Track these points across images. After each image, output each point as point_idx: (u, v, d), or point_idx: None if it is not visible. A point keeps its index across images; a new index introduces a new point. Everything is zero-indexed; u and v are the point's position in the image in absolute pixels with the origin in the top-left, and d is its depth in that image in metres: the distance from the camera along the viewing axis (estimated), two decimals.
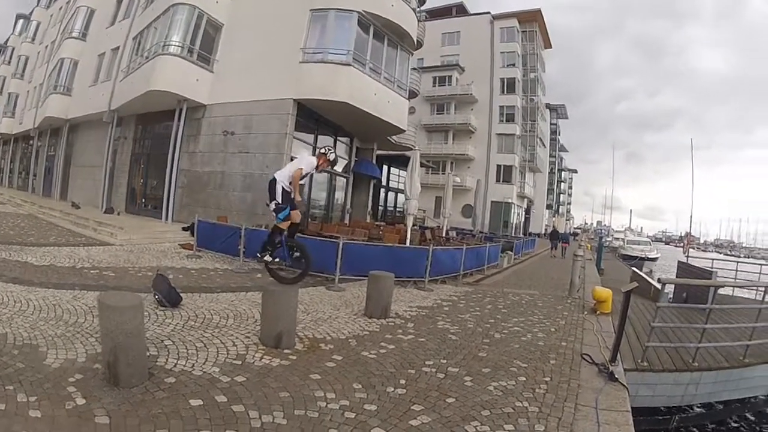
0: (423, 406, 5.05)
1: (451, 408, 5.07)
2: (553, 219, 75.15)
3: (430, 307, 10.54)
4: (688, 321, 11.42)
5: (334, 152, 8.32)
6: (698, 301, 13.48)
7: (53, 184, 32.96)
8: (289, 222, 7.80)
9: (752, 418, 10.60)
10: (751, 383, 8.60)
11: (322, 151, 8.70)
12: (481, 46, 58.10)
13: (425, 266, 13.05)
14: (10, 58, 51.86)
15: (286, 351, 6.34)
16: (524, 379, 6.18)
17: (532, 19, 60.82)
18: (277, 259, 8.35)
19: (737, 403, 9.59)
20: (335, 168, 22.18)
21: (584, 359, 7.14)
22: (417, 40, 24.38)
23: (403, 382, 5.68)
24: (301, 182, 8.45)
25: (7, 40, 55.85)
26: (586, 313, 11.09)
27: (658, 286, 14.79)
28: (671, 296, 16.65)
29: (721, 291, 15.31)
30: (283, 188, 8.01)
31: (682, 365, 8.01)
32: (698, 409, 9.44)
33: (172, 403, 4.51)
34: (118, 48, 26.70)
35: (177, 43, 20.48)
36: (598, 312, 11.01)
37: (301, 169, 8.10)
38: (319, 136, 22.16)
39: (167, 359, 5.57)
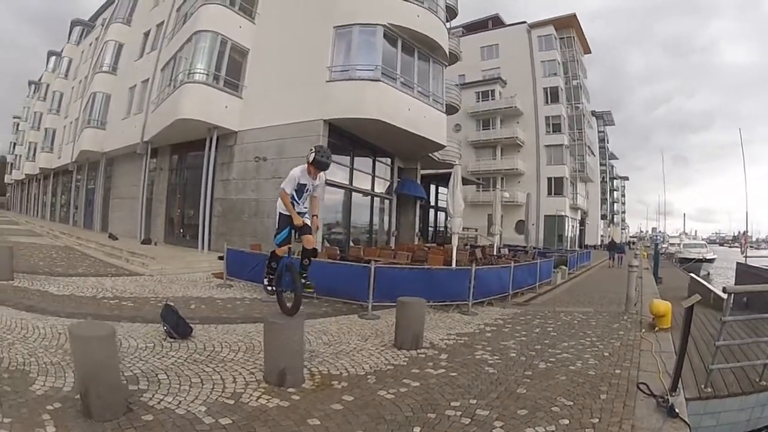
0: None
1: None
2: (608, 229, 73.25)
3: (470, 333, 9.49)
4: (753, 332, 10.12)
5: (316, 151, 6.86)
6: (764, 307, 12.24)
7: (94, 216, 33.34)
8: (287, 247, 6.89)
9: None
10: None
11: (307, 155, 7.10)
12: (520, 56, 57.18)
13: (468, 288, 12.00)
14: (45, 94, 53.47)
15: (290, 390, 5.62)
16: (567, 422, 5.15)
17: (568, 25, 59.68)
18: (280, 288, 7.36)
19: None
20: (363, 186, 21.84)
21: (640, 390, 6.09)
22: (451, 53, 23.70)
23: (417, 430, 4.77)
24: (300, 202, 7.08)
25: (41, 77, 58.34)
26: (643, 330, 10.03)
27: (723, 295, 13.42)
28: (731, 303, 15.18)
29: None
30: (279, 212, 7.09)
31: (748, 386, 6.87)
32: None
33: None
34: (147, 80, 26.86)
35: (202, 71, 20.33)
36: (656, 328, 9.95)
37: (283, 188, 6.93)
38: (356, 158, 21.70)
39: (154, 394, 5.19)
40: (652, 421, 5.23)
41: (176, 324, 7.53)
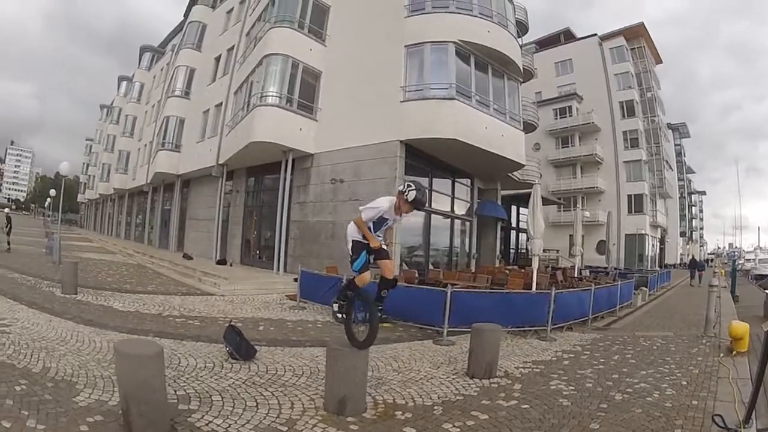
0: None
1: None
2: (688, 246, 70.87)
3: (547, 361, 9.08)
4: None
5: (416, 189, 6.12)
6: None
7: (170, 236, 34.01)
8: (365, 275, 6.45)
9: None
10: None
11: (401, 188, 6.34)
12: (594, 70, 55.77)
13: (547, 312, 11.59)
14: (118, 118, 55.73)
15: (349, 419, 5.40)
16: None
17: (637, 34, 57.95)
18: (351, 319, 6.84)
19: None
20: (435, 207, 21.30)
21: (715, 422, 5.62)
22: (525, 69, 23.26)
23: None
24: (375, 234, 6.46)
25: (113, 101, 61.15)
26: (722, 355, 9.57)
27: None
28: None
29: None
30: (351, 239, 6.46)
31: None
32: None
33: None
34: (221, 104, 27.44)
35: (275, 94, 20.56)
36: (734, 352, 9.43)
37: (361, 215, 6.38)
38: (434, 179, 21.49)
39: (203, 416, 5.11)
40: None
41: (238, 345, 7.47)
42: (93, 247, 33.95)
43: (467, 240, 24.44)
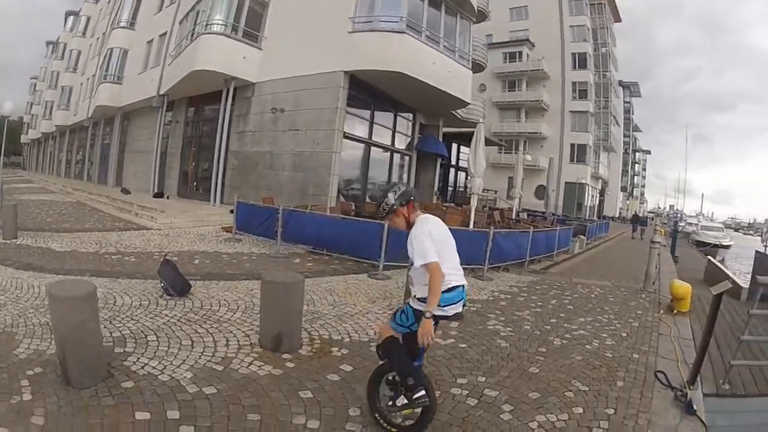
0: None
1: None
2: (628, 202, 72.47)
3: (484, 300, 9.09)
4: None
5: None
6: None
7: (108, 171, 33.39)
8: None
9: None
10: None
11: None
12: (550, 20, 55.71)
13: (485, 252, 11.61)
14: (63, 53, 53.64)
15: (285, 356, 5.30)
16: (581, 410, 4.71)
17: None
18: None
19: None
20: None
21: (658, 379, 5.67)
22: (479, 9, 22.91)
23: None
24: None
25: (59, 37, 58.33)
26: (662, 312, 9.61)
27: (742, 284, 12.81)
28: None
29: None
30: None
31: (766, 388, 6.26)
32: None
33: (115, 414, 3.86)
34: (165, 33, 26.64)
35: (220, 22, 20.07)
36: (675, 311, 9.49)
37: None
38: (376, 112, 21.37)
39: (139, 358, 4.95)
40: (669, 417, 4.88)
41: (174, 281, 7.27)
42: (33, 188, 32.79)
43: (405, 175, 24.35)
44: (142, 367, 4.70)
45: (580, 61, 55.40)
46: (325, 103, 18.21)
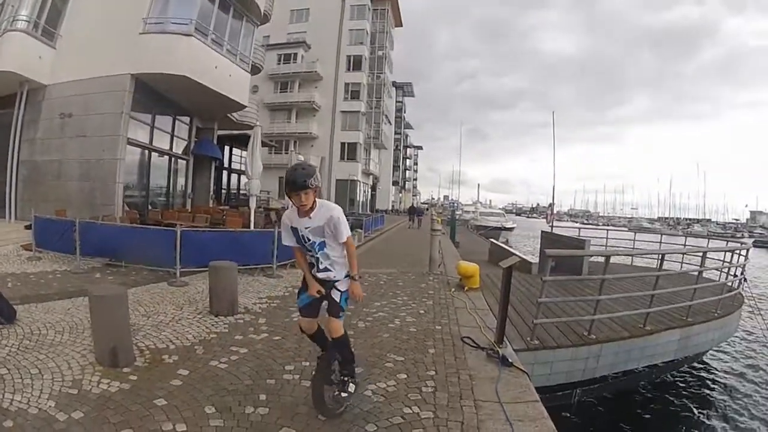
0: (294, 429, 4.23)
1: (329, 426, 4.31)
2: (400, 195, 76.02)
3: (281, 296, 9.59)
4: (566, 293, 11.33)
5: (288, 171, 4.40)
6: (571, 270, 13.75)
7: None
8: (312, 321, 4.90)
9: (657, 383, 10.69)
10: (654, 350, 8.55)
11: None
12: (330, 23, 56.75)
13: (271, 251, 11.99)
14: None
15: (125, 370, 5.35)
16: (405, 376, 5.46)
17: None
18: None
19: (644, 369, 9.65)
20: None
21: (466, 343, 6.62)
22: (264, 13, 23.41)
23: (263, 398, 4.80)
24: (318, 258, 4.68)
25: None
26: (453, 290, 10.70)
27: (529, 259, 15.06)
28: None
29: (594, 260, 15.22)
30: None
31: (577, 340, 7.70)
32: (601, 382, 9.05)
33: None
34: None
35: (25, 18, 18.35)
36: (466, 288, 10.66)
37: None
38: (157, 116, 20.87)
39: (3, 394, 4.64)
40: (488, 370, 5.64)
41: (1, 308, 6.84)
42: None
43: (183, 179, 24.07)
44: (11, 404, 4.51)
45: (355, 64, 57.51)
46: (110, 107, 17.48)
